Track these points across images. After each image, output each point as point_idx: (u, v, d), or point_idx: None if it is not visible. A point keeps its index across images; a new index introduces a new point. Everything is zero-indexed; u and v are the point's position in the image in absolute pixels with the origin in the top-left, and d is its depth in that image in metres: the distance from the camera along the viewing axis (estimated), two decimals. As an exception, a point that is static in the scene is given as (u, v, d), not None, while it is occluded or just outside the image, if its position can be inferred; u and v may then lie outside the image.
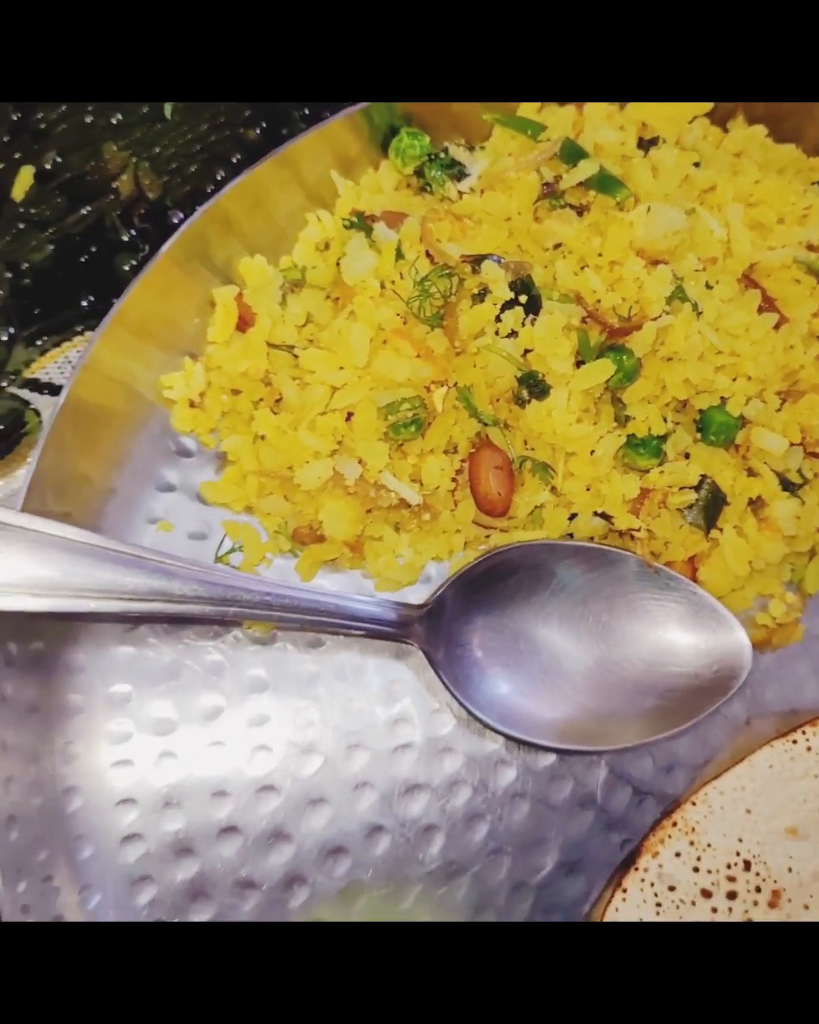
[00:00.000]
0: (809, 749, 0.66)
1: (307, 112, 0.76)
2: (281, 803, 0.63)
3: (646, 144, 0.69)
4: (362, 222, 0.67)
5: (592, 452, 0.65)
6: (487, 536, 0.68)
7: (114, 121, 0.73)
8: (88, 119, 0.73)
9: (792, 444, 0.67)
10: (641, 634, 0.65)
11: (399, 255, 0.66)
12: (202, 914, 0.60)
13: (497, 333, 0.63)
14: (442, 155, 0.69)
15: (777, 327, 0.66)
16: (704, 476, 0.66)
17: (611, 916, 0.63)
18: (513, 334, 0.63)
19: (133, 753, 0.62)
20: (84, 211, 0.72)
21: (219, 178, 0.74)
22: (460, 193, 0.68)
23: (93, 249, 0.71)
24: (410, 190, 0.71)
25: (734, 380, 0.65)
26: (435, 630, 0.63)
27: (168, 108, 0.74)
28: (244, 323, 0.67)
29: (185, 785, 0.62)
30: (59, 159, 0.72)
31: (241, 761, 0.63)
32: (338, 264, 0.66)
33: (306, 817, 0.63)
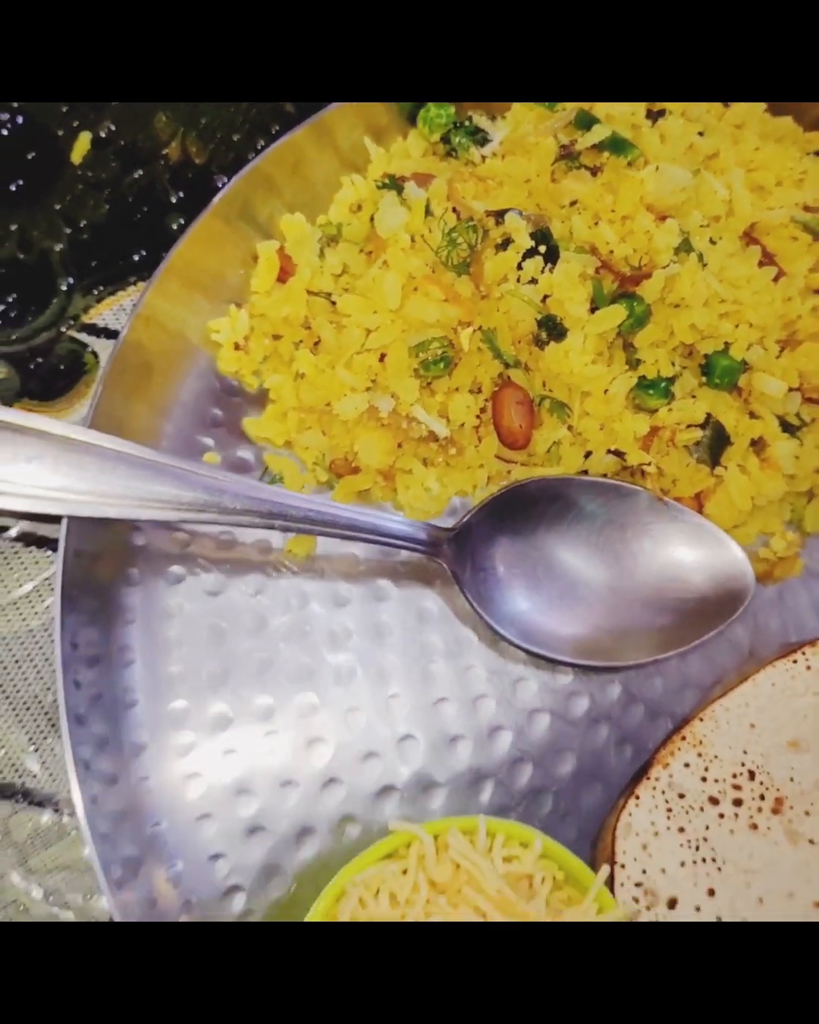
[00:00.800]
0: (809, 668, 0.71)
1: (340, 89, 0.82)
2: (319, 709, 0.67)
3: (654, 115, 0.75)
4: (394, 183, 0.73)
5: (605, 392, 0.70)
6: (508, 472, 0.73)
7: (164, 94, 0.80)
8: (140, 92, 0.80)
9: (791, 389, 0.72)
10: (652, 560, 0.70)
11: (428, 212, 0.71)
12: (249, 808, 0.65)
13: (518, 280, 0.69)
14: (467, 123, 0.75)
15: (776, 279, 0.71)
16: (709, 415, 0.71)
17: (624, 821, 0.67)
18: (533, 281, 0.69)
19: (185, 658, 0.67)
20: (136, 174, 0.78)
21: (259, 146, 0.80)
22: (483, 157, 0.74)
23: (145, 209, 0.77)
24: (436, 156, 0.77)
25: (736, 327, 0.70)
26: (462, 551, 0.68)
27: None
28: (285, 274, 0.73)
29: (232, 688, 0.67)
30: (113, 127, 0.79)
31: (284, 672, 0.68)
32: (371, 220, 0.72)
33: (343, 724, 0.68)
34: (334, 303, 0.71)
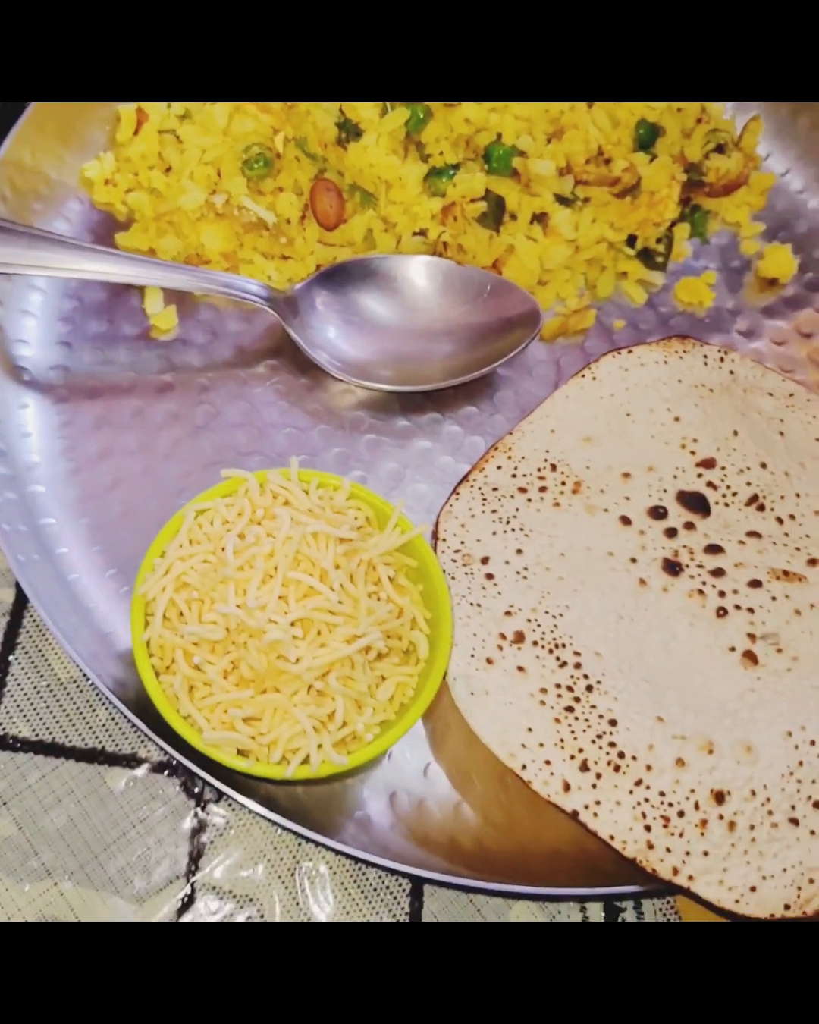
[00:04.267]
0: (595, 379, 0.84)
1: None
2: (182, 442, 0.82)
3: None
4: (222, 47, 0.91)
5: (401, 179, 0.86)
6: (334, 259, 0.89)
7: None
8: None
9: (561, 172, 0.88)
10: (450, 302, 0.84)
11: (249, 64, 0.90)
12: (119, 505, 0.79)
13: (319, 99, 0.86)
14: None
15: (535, 84, 0.88)
16: (488, 190, 0.87)
17: (447, 510, 0.79)
18: (333, 98, 0.86)
19: (70, 411, 0.83)
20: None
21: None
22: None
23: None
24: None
25: (504, 119, 0.87)
26: (292, 305, 0.83)
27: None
28: (140, 125, 0.91)
29: (114, 432, 0.82)
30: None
31: (156, 418, 0.83)
32: (207, 76, 0.90)
33: (210, 451, 0.82)
34: (179, 138, 0.89)
